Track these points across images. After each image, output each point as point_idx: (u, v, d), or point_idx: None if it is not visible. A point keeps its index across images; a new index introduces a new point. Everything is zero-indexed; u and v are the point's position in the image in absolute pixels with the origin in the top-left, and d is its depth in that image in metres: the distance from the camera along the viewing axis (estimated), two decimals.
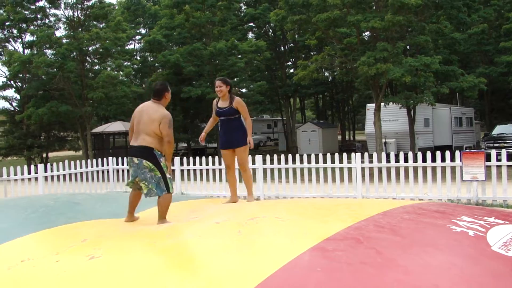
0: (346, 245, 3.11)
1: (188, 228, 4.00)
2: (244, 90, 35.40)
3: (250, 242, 3.40)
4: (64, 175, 14.27)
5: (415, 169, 12.04)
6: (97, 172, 15.27)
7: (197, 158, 14.19)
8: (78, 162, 14.86)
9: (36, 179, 13.76)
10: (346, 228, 3.40)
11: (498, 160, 11.37)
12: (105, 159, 15.70)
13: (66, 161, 14.45)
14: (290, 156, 13.25)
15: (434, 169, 12.03)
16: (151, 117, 5.51)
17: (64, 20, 30.06)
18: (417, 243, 3.26)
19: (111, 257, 3.30)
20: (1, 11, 31.86)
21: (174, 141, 5.58)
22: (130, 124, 5.86)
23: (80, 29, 28.32)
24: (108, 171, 15.48)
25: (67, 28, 29.63)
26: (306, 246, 3.03)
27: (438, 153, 11.91)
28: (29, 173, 13.63)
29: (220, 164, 13.52)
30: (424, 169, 12.02)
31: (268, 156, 13.21)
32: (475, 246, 3.20)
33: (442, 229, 3.53)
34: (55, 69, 27.13)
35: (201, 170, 14.05)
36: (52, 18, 32.24)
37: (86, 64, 29.19)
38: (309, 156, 13.15)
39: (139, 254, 3.40)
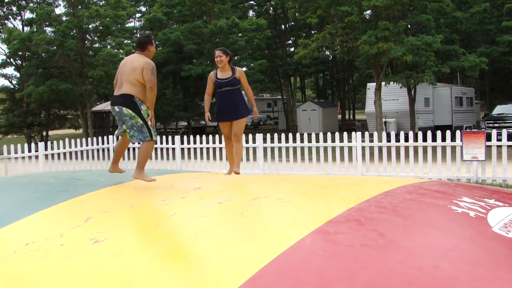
0: (348, 227, 3.12)
1: (188, 208, 4.00)
2: (244, 69, 35.29)
3: (253, 225, 3.42)
4: (64, 153, 14.30)
5: (415, 148, 12.07)
6: (97, 150, 15.31)
7: (197, 137, 14.22)
8: (78, 140, 14.89)
9: (36, 157, 13.80)
10: (348, 209, 3.41)
11: (499, 140, 11.41)
12: (105, 137, 15.73)
13: (67, 139, 14.47)
14: (290, 135, 13.26)
15: (434, 148, 12.05)
16: (133, 66, 5.48)
17: None
18: (419, 224, 3.27)
19: (114, 242, 3.32)
20: None
21: (156, 89, 5.51)
22: (114, 79, 5.82)
23: (80, 7, 28.10)
24: (108, 149, 15.52)
25: (66, 5, 29.39)
26: (308, 229, 3.04)
27: (439, 133, 11.93)
28: (29, 151, 13.67)
29: (220, 142, 13.54)
30: (424, 149, 12.05)
31: (268, 135, 13.21)
32: (476, 227, 3.21)
33: (444, 210, 3.55)
34: (55, 47, 26.97)
35: (201, 148, 14.08)
36: None
37: (86, 42, 29.02)
38: (309, 135, 13.16)
39: (142, 239, 3.43)
